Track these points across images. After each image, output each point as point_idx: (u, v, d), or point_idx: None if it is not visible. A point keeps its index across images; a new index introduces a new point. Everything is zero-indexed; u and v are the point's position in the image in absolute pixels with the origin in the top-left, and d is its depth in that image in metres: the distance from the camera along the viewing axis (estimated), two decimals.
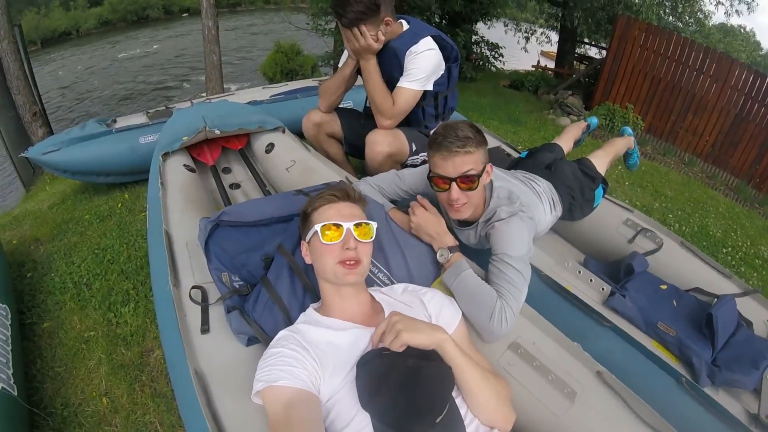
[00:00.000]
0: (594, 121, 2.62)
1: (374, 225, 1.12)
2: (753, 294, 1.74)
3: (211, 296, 1.29)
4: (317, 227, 1.07)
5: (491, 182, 1.49)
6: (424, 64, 1.93)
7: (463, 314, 1.19)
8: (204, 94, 5.53)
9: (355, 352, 0.98)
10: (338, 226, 1.06)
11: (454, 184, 1.34)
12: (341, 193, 1.14)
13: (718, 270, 1.83)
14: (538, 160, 2.00)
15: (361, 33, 1.84)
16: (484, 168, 1.36)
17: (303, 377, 0.90)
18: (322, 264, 1.08)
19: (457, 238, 1.54)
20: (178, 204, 1.78)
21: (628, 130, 2.49)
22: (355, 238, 1.06)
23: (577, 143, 2.54)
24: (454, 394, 0.96)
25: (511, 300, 1.22)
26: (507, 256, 1.29)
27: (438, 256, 1.39)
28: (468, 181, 1.34)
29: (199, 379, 1.06)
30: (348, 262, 1.04)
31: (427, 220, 1.44)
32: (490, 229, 1.42)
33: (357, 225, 1.08)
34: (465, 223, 1.56)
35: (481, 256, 1.47)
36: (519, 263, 1.28)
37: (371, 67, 1.94)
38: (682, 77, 6.62)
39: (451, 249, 1.38)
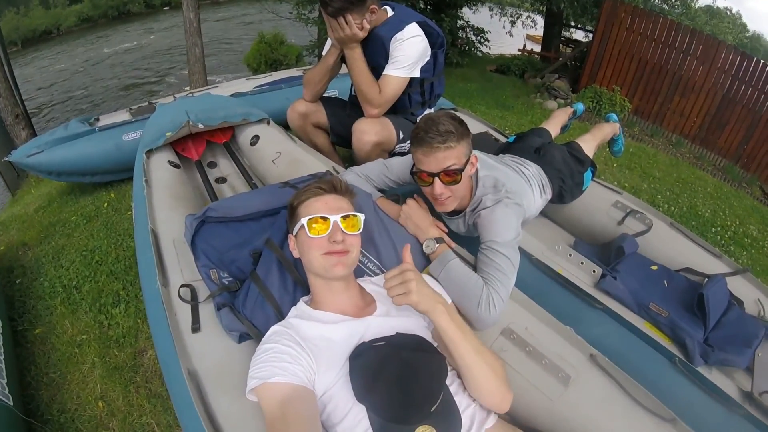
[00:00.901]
0: (580, 107, 2.62)
1: (362, 217, 1.11)
2: (743, 273, 1.75)
3: (201, 294, 1.27)
4: (304, 221, 1.06)
5: (477, 171, 1.49)
6: (410, 51, 1.90)
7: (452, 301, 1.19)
8: (187, 88, 5.44)
9: (349, 345, 0.98)
10: (325, 219, 1.05)
11: (437, 179, 1.34)
12: (328, 185, 1.13)
13: (707, 250, 1.84)
14: (526, 144, 2.00)
15: (346, 22, 1.81)
16: (467, 161, 1.36)
17: (298, 373, 0.90)
18: (309, 257, 1.07)
19: (447, 226, 1.54)
20: (164, 201, 1.75)
21: (614, 116, 2.51)
22: (343, 231, 1.05)
23: (564, 129, 2.54)
24: (448, 381, 0.96)
25: (498, 286, 1.22)
26: (494, 243, 1.29)
27: (424, 247, 1.39)
28: (451, 174, 1.33)
29: (192, 379, 1.04)
30: (335, 253, 1.04)
31: (414, 211, 1.45)
32: (477, 217, 1.42)
33: (344, 217, 1.07)
34: (453, 213, 1.56)
35: (473, 244, 1.47)
36: (506, 249, 1.28)
37: (356, 55, 1.91)
38: (668, 59, 6.64)
39: (437, 240, 1.38)
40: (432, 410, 0.87)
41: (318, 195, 1.11)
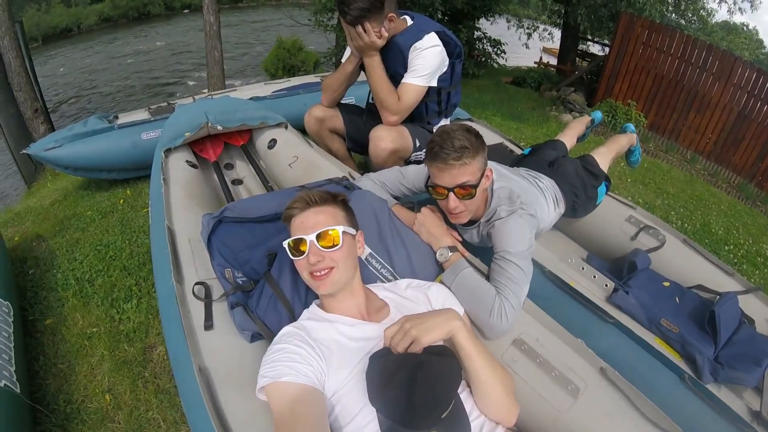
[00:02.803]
0: (598, 115, 2.60)
1: (340, 229, 1.07)
2: (755, 291, 1.74)
3: (215, 293, 1.29)
4: (285, 244, 1.08)
5: (492, 182, 1.49)
6: (429, 60, 1.91)
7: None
8: (206, 90, 5.51)
9: (360, 347, 0.99)
10: (302, 240, 1.05)
11: (451, 194, 1.35)
12: (300, 202, 1.10)
13: (720, 267, 1.83)
14: (540, 158, 2.00)
15: (364, 30, 1.83)
16: (482, 175, 1.36)
17: (308, 373, 0.91)
18: (301, 276, 1.10)
19: (461, 236, 1.55)
20: (181, 200, 1.77)
21: (631, 126, 2.48)
22: (319, 249, 1.04)
23: (581, 139, 2.53)
24: (459, 390, 0.96)
25: (510, 296, 1.22)
26: (507, 253, 1.29)
27: (438, 256, 1.40)
28: (466, 189, 1.34)
29: (202, 376, 1.05)
30: (318, 274, 1.04)
31: (429, 220, 1.46)
32: (491, 228, 1.42)
33: (320, 235, 1.05)
34: (468, 223, 1.56)
35: (487, 254, 1.48)
36: (519, 259, 1.28)
37: (375, 63, 1.93)
38: (684, 75, 6.60)
39: (450, 249, 1.38)
40: (443, 416, 0.87)
41: (295, 214, 1.10)
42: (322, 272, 1.03)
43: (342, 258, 1.06)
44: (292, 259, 1.08)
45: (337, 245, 1.05)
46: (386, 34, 1.88)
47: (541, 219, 1.57)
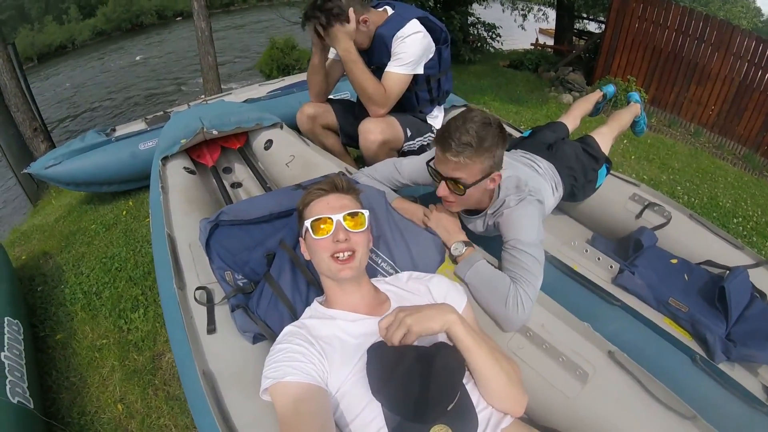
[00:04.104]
0: (610, 89, 2.52)
1: (366, 213, 1.10)
2: (766, 264, 1.69)
3: (216, 296, 1.29)
4: (308, 223, 1.06)
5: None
6: (412, 47, 1.89)
7: (468, 299, 1.17)
8: (202, 96, 5.52)
9: (363, 342, 0.97)
10: (328, 219, 1.05)
11: (443, 182, 1.34)
12: (329, 185, 1.12)
13: (729, 241, 1.79)
14: (538, 140, 1.96)
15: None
16: (485, 177, 1.30)
17: (310, 372, 0.90)
18: (317, 259, 1.07)
19: (464, 224, 1.54)
20: (180, 206, 1.77)
21: (635, 96, 2.41)
22: (346, 229, 1.05)
23: (594, 113, 2.48)
24: (465, 381, 0.95)
25: (526, 285, 1.20)
26: (519, 242, 1.27)
27: (452, 250, 1.39)
28: (457, 185, 1.31)
29: (207, 380, 1.06)
30: (341, 257, 1.03)
31: (444, 216, 1.46)
32: (499, 217, 1.40)
33: (348, 215, 1.06)
34: (473, 212, 1.54)
35: (490, 243, 1.47)
36: (532, 248, 1.26)
37: (353, 58, 1.88)
38: (683, 47, 6.50)
39: (465, 243, 1.38)
40: (449, 409, 0.86)
41: (320, 196, 1.11)
42: (345, 254, 1.03)
43: (363, 243, 1.07)
44: (314, 240, 1.05)
45: (363, 228, 1.07)
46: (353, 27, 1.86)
47: (546, 205, 1.55)
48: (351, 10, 1.82)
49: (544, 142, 1.94)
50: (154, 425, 1.66)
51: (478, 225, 1.56)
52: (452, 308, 0.99)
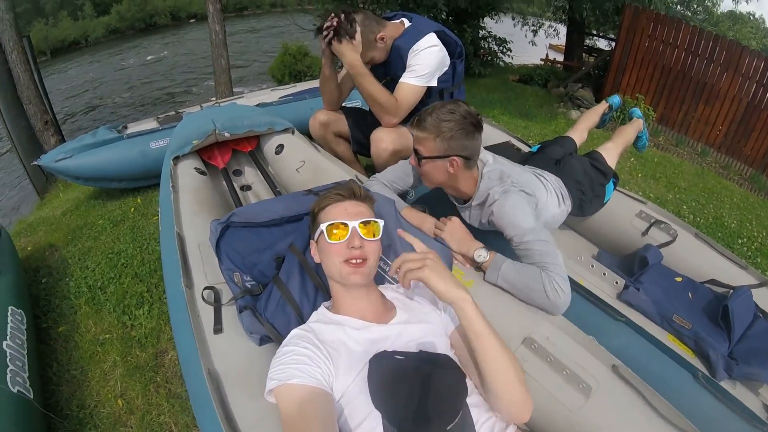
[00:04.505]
0: (616, 100, 2.53)
1: (381, 223, 1.11)
2: None
3: (224, 297, 1.30)
4: (323, 226, 1.07)
5: (484, 165, 1.55)
6: (428, 60, 1.91)
7: None
8: (213, 98, 5.57)
9: (368, 349, 0.98)
10: (344, 225, 1.06)
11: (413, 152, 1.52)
12: (347, 191, 1.14)
13: (733, 261, 1.80)
14: (547, 156, 1.99)
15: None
16: (439, 157, 1.45)
17: (316, 375, 0.90)
18: (328, 263, 1.08)
19: (459, 213, 1.63)
20: (190, 206, 1.79)
21: (637, 111, 2.42)
22: (361, 237, 1.06)
23: (601, 125, 2.51)
24: (468, 394, 0.94)
25: (552, 267, 1.27)
26: (521, 235, 1.35)
27: (476, 258, 1.42)
28: (415, 154, 1.51)
29: (212, 379, 1.06)
30: (353, 261, 1.04)
31: (458, 228, 1.51)
32: (490, 215, 1.47)
33: (363, 223, 1.07)
34: (461, 201, 1.64)
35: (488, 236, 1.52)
36: (535, 234, 1.33)
37: (362, 71, 1.91)
38: (692, 66, 6.52)
39: (486, 249, 1.43)
40: (449, 428, 0.85)
41: (338, 201, 1.12)
42: (358, 260, 1.04)
43: (375, 252, 1.09)
44: (328, 244, 1.06)
45: (377, 237, 1.09)
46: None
47: (543, 207, 1.60)
48: (358, 29, 1.86)
49: (552, 157, 1.97)
50: (153, 422, 1.66)
51: (470, 216, 1.62)
52: (467, 290, 0.96)
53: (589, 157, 2.01)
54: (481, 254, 1.41)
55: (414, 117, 1.47)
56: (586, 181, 1.86)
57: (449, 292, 0.93)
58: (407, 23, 1.98)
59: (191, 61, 17.69)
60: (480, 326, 0.92)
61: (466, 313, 0.93)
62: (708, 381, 1.31)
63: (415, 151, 1.51)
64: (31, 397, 1.55)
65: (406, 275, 0.93)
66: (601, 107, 2.49)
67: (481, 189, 1.53)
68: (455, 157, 1.44)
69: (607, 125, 2.61)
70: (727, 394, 1.27)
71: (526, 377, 1.11)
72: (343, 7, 1.90)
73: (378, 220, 1.11)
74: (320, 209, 1.13)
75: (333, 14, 1.86)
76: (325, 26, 1.86)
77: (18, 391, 1.51)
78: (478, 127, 1.44)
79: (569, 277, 1.56)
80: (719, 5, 9.87)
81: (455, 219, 1.53)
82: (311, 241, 1.17)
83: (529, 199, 1.44)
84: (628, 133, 2.29)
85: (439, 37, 1.93)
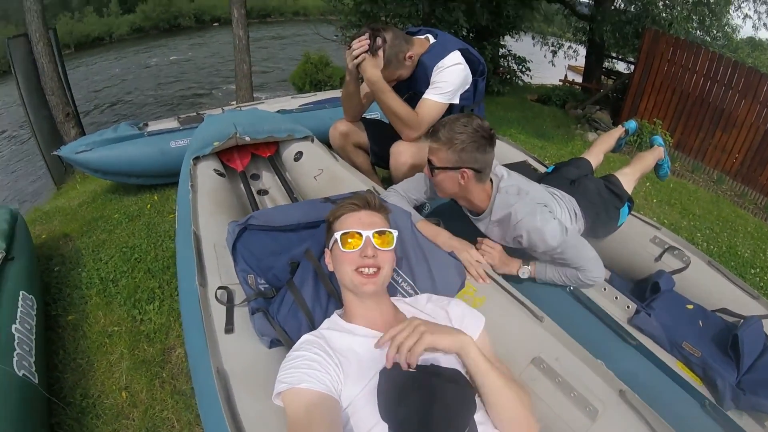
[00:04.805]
0: (632, 125, 2.53)
1: (395, 233, 1.12)
2: None
3: (237, 297, 1.31)
4: (337, 235, 1.08)
5: (499, 180, 1.59)
6: (451, 77, 1.93)
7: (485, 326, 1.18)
8: (234, 102, 5.64)
9: (378, 359, 0.98)
10: (358, 234, 1.07)
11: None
12: (362, 201, 1.15)
13: (745, 290, 1.78)
14: (562, 176, 1.99)
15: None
16: (451, 168, 1.50)
17: (325, 381, 0.91)
18: (341, 271, 1.09)
19: (475, 225, 1.69)
20: (207, 207, 1.81)
21: (659, 139, 2.41)
22: (374, 246, 1.06)
23: (617, 148, 2.52)
24: (476, 410, 0.94)
25: (586, 265, 1.48)
26: (553, 249, 1.47)
27: (521, 275, 1.62)
28: (429, 164, 1.56)
29: (220, 378, 1.07)
30: (366, 272, 1.05)
31: (496, 250, 1.62)
32: (519, 237, 1.51)
33: (378, 233, 1.08)
34: (475, 214, 1.68)
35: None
36: (564, 244, 1.46)
37: (383, 87, 1.92)
38: (710, 92, 6.50)
39: (525, 264, 1.62)
40: None
41: (353, 211, 1.13)
42: (371, 270, 1.05)
43: (389, 262, 1.09)
44: (341, 252, 1.07)
45: (390, 247, 1.10)
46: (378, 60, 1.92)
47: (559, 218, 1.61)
48: (381, 46, 1.88)
49: (568, 177, 1.97)
50: (156, 417, 1.67)
51: (491, 233, 1.65)
52: (466, 334, 1.00)
53: (605, 180, 2.00)
54: (525, 271, 1.61)
55: (428, 132, 1.52)
56: (600, 203, 1.86)
57: (453, 343, 0.96)
58: (432, 39, 2.00)
59: (213, 64, 17.92)
60: (483, 366, 0.95)
61: (469, 354, 0.96)
62: (715, 410, 1.30)
63: (429, 161, 1.56)
64: (36, 381, 1.56)
65: (413, 352, 0.91)
66: (618, 131, 2.48)
67: (497, 203, 1.55)
68: (466, 169, 1.49)
69: (623, 149, 2.60)
70: (734, 424, 1.26)
71: (534, 398, 1.11)
72: (373, 25, 1.92)
73: (392, 231, 1.11)
74: (335, 218, 1.15)
75: (366, 34, 1.88)
76: (356, 46, 1.88)
77: (23, 374, 1.53)
78: (490, 141, 1.48)
79: (581, 298, 1.58)
80: (739, 31, 9.85)
81: (497, 245, 1.62)
82: (326, 249, 1.18)
83: (547, 213, 1.49)
84: (646, 159, 2.28)
85: (463, 54, 1.95)
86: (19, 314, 1.78)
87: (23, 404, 1.45)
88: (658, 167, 2.42)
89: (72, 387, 1.79)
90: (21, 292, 1.90)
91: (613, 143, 2.44)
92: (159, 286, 2.29)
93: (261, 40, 22.11)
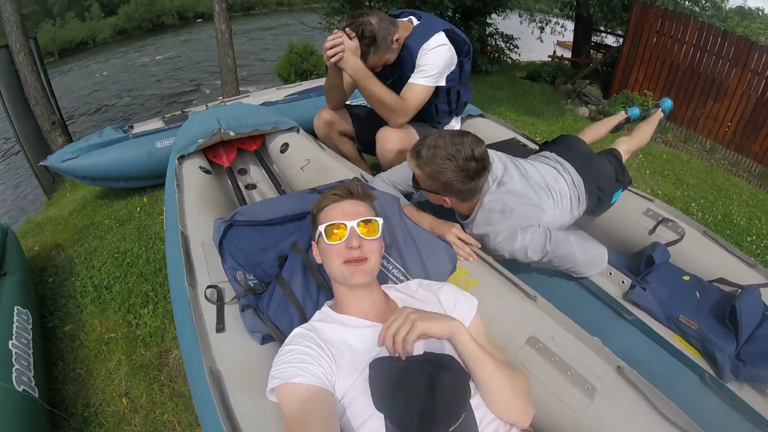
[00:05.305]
0: (635, 112, 2.48)
1: (380, 221, 1.10)
2: None
3: (227, 295, 1.30)
4: (321, 228, 1.07)
5: (485, 193, 1.51)
6: (437, 60, 1.88)
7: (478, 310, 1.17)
8: (220, 98, 5.58)
9: (371, 349, 0.97)
10: (342, 225, 1.05)
11: None
12: (344, 191, 1.13)
13: (742, 259, 1.76)
14: (576, 149, 1.89)
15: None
16: (433, 191, 1.45)
17: (319, 374, 0.90)
18: (329, 264, 1.08)
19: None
20: (194, 205, 1.79)
21: (667, 102, 2.43)
22: (359, 236, 1.05)
23: (616, 130, 2.47)
24: (471, 396, 0.94)
25: (577, 269, 1.50)
26: (539, 261, 1.45)
27: None
28: (414, 181, 1.51)
29: (213, 378, 1.06)
30: (353, 261, 1.03)
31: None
32: (501, 253, 1.46)
33: (362, 222, 1.06)
34: (463, 218, 1.62)
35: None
36: (548, 256, 1.43)
37: (364, 75, 1.86)
38: (700, 62, 6.44)
39: None
40: (451, 429, 0.85)
41: (335, 202, 1.11)
42: (359, 260, 1.04)
43: (376, 250, 1.08)
44: (327, 245, 1.06)
45: (376, 235, 1.08)
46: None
47: (548, 223, 1.53)
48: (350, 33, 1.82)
49: (582, 151, 1.89)
50: (157, 421, 1.67)
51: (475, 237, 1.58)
52: (457, 320, 0.99)
53: (615, 159, 1.93)
54: None
55: (414, 146, 1.42)
56: (607, 188, 1.81)
57: (444, 329, 0.95)
58: (415, 21, 1.96)
59: (201, 60, 17.77)
60: (474, 351, 0.94)
61: (460, 339, 0.95)
62: (714, 382, 1.29)
63: (414, 180, 1.50)
64: (36, 395, 1.57)
65: (407, 341, 0.90)
66: (618, 118, 2.44)
67: (478, 219, 1.49)
68: (448, 198, 1.46)
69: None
70: (734, 396, 1.25)
71: (531, 378, 1.11)
72: (356, 12, 1.86)
73: (377, 219, 1.10)
74: (319, 210, 1.13)
75: (340, 31, 1.82)
76: (329, 45, 1.82)
77: (23, 390, 1.53)
78: (480, 171, 1.37)
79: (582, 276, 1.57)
80: (728, 1, 9.77)
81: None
82: (312, 242, 1.16)
83: (534, 230, 1.42)
84: (645, 132, 2.24)
85: (447, 35, 1.90)
86: (15, 329, 1.78)
87: (25, 419, 1.45)
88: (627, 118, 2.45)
89: (73, 397, 1.79)
90: (15, 307, 1.91)
91: (606, 131, 2.39)
92: (152, 289, 2.28)
93: (250, 32, 21.91)
